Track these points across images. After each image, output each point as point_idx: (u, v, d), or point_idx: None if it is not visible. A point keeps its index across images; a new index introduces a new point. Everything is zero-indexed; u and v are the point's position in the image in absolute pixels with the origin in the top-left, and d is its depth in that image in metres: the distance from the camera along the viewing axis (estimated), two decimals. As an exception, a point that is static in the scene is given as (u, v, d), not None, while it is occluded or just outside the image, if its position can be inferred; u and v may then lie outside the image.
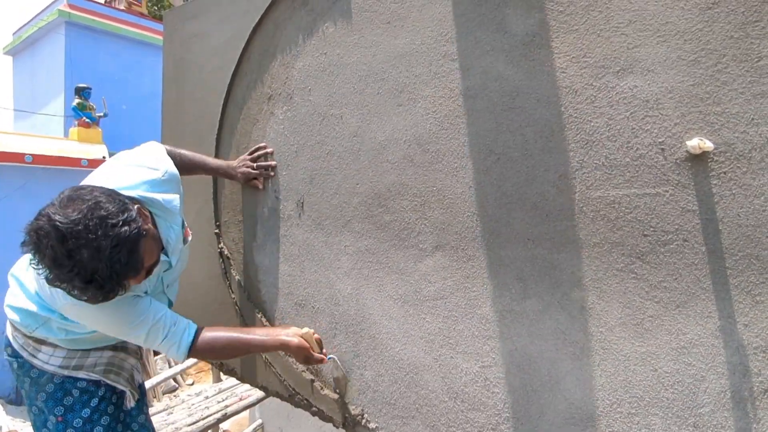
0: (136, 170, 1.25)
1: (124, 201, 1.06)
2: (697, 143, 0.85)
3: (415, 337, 1.26)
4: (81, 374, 1.38)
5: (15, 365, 1.41)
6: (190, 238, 1.50)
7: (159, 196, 1.24)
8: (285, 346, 1.32)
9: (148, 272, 1.16)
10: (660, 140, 0.90)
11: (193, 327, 1.29)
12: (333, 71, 1.43)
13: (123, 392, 1.45)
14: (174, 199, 1.30)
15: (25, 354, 1.37)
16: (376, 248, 1.35)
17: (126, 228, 1.00)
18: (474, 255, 1.15)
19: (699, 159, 0.86)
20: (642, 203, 0.93)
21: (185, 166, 1.56)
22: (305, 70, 1.50)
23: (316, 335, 1.39)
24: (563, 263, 1.02)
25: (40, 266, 0.97)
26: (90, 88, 7.86)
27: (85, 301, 1.03)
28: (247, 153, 1.66)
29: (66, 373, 1.35)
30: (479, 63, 1.13)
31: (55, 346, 1.36)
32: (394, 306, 1.31)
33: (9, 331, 1.41)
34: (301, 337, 1.33)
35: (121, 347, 1.47)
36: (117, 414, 1.43)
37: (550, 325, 1.04)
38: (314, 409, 1.51)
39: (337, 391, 1.45)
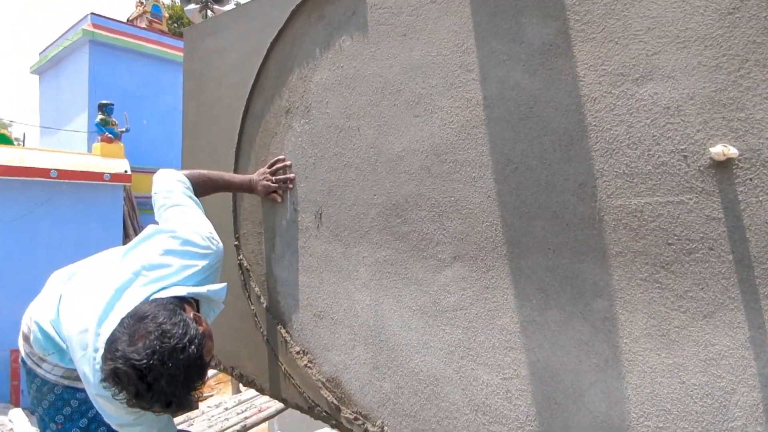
0: (185, 261, 1.30)
1: (184, 318, 1.13)
2: (721, 150, 0.83)
3: (435, 349, 1.25)
4: (79, 385, 1.40)
5: (23, 371, 1.48)
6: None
7: (206, 289, 1.30)
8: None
9: None
10: (682, 147, 0.89)
11: None
12: (350, 84, 1.44)
13: None
14: (221, 289, 1.37)
15: (29, 362, 1.43)
16: (395, 259, 1.35)
17: (192, 347, 1.09)
18: (493, 265, 1.15)
19: (723, 166, 0.85)
20: (665, 211, 0.91)
21: (208, 188, 1.64)
22: (322, 84, 1.52)
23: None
24: (585, 273, 1.01)
25: (121, 397, 1.06)
26: (113, 105, 8.08)
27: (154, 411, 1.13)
28: (267, 166, 1.68)
29: (66, 383, 1.39)
30: (496, 72, 1.13)
31: (55, 364, 1.40)
32: (413, 317, 1.30)
33: (20, 336, 1.47)
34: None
35: None
36: None
37: (573, 336, 1.02)
38: (334, 421, 1.50)
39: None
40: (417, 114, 1.28)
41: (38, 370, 1.43)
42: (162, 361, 1.04)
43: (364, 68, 1.40)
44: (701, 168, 0.87)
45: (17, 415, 4.28)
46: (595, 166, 0.99)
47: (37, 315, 1.41)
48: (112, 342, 1.08)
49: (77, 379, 1.40)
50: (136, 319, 1.10)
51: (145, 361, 1.03)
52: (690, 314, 0.89)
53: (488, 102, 1.14)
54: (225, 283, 1.41)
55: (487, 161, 1.15)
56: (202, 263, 1.33)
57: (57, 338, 1.35)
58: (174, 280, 1.26)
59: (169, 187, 1.47)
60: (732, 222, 0.84)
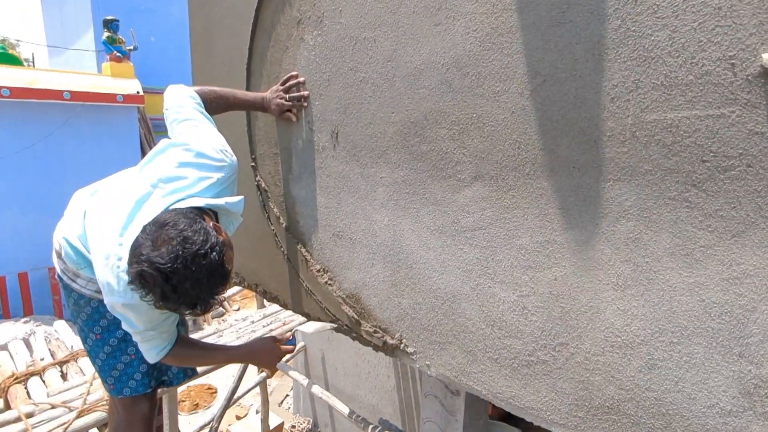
0: (201, 173, 1.31)
1: (204, 227, 1.15)
2: (775, 56, 0.75)
3: (453, 268, 1.27)
4: None
5: (60, 286, 1.58)
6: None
7: (224, 201, 1.32)
8: (251, 356, 1.65)
9: None
10: (731, 54, 0.81)
11: (173, 340, 1.46)
12: (365, -10, 1.33)
13: None
14: (239, 201, 1.39)
15: (65, 278, 1.53)
16: (413, 179, 1.32)
17: (214, 254, 1.12)
18: (515, 185, 1.12)
19: (775, 74, 0.77)
20: (703, 126, 0.85)
21: (219, 106, 1.59)
22: (335, -10, 1.41)
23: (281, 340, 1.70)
24: (610, 192, 0.98)
25: (149, 299, 1.12)
26: (118, 20, 7.75)
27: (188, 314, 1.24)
28: (279, 83, 1.62)
29: (101, 297, 1.45)
30: (526, -28, 1.02)
31: (89, 279, 1.48)
32: (432, 237, 1.30)
33: (53, 254, 1.54)
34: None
35: None
36: None
37: (593, 255, 1.02)
38: (354, 334, 1.58)
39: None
40: (438, 22, 1.19)
41: (74, 285, 1.51)
42: (185, 266, 1.08)
43: (380, -29, 1.29)
44: (749, 77, 0.80)
45: (61, 325, 4.61)
46: (631, 77, 0.91)
47: (65, 232, 1.46)
48: (135, 248, 1.11)
49: None
50: (157, 226, 1.13)
51: (169, 265, 1.07)
52: (718, 233, 0.86)
53: (516, 6, 1.05)
54: (242, 196, 1.43)
55: (513, 74, 1.08)
56: (218, 175, 1.34)
57: (86, 252, 1.40)
58: (191, 191, 1.28)
59: (181, 102, 1.45)
60: (776, 137, 0.79)
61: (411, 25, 1.24)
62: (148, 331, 1.36)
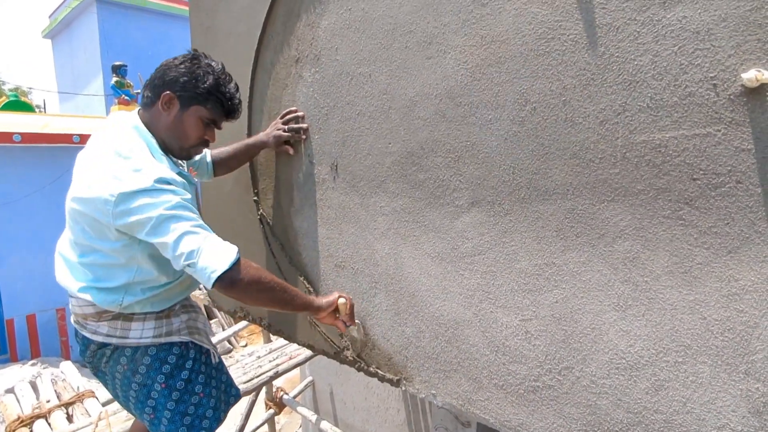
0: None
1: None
2: (754, 75, 0.78)
3: (455, 294, 1.27)
4: (174, 339, 1.45)
5: (104, 359, 1.46)
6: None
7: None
8: (313, 307, 1.40)
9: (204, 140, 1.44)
10: (712, 75, 0.83)
11: (237, 249, 1.26)
12: (359, 27, 1.39)
13: (208, 351, 1.56)
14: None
15: (114, 340, 1.40)
16: (412, 207, 1.34)
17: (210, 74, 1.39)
18: (511, 209, 1.13)
19: (756, 93, 0.80)
20: (691, 145, 0.87)
21: (232, 162, 1.73)
22: (331, 29, 1.47)
23: (349, 303, 1.47)
24: (605, 213, 0.99)
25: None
26: (126, 66, 8.03)
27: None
28: (279, 117, 1.66)
29: (162, 340, 1.43)
30: (511, 5, 1.07)
31: (143, 319, 1.41)
32: (432, 264, 1.31)
33: (86, 330, 1.42)
34: (336, 304, 1.43)
35: (190, 305, 1.56)
36: (209, 371, 1.55)
37: (593, 277, 1.02)
38: (359, 365, 1.56)
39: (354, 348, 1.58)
40: (429, 55, 1.23)
41: (129, 341, 1.41)
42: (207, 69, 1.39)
43: (373, 9, 1.34)
44: (731, 96, 0.82)
45: (68, 367, 4.58)
46: (618, 101, 0.94)
47: (78, 291, 1.38)
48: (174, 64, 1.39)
49: (168, 333, 1.44)
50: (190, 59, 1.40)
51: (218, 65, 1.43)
52: (714, 250, 0.87)
53: (504, 38, 1.09)
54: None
55: (504, 102, 1.11)
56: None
57: (109, 283, 1.35)
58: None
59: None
60: (762, 153, 0.80)
61: (404, 59, 1.29)
62: (196, 222, 1.22)
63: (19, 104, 7.88)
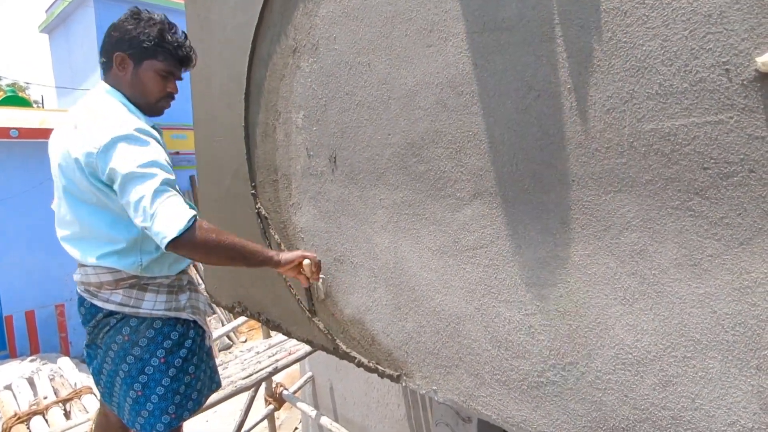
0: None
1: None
2: (769, 59, 0.75)
3: (456, 288, 1.24)
4: (182, 315, 1.51)
5: (105, 328, 1.47)
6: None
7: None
8: (273, 261, 1.43)
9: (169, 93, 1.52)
10: (724, 60, 0.80)
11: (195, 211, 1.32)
12: (357, 15, 1.35)
13: (204, 333, 1.61)
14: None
15: (127, 309, 1.44)
16: (412, 200, 1.31)
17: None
18: (514, 201, 1.10)
19: (770, 78, 0.76)
20: (701, 133, 0.84)
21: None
22: (329, 17, 1.43)
23: (314, 263, 1.51)
24: (612, 204, 0.96)
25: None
26: (123, 60, 7.96)
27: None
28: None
29: (171, 314, 1.48)
30: (514, -9, 1.03)
31: (156, 291, 1.46)
32: (433, 257, 1.28)
33: (97, 298, 1.45)
34: (297, 262, 1.47)
35: (193, 285, 1.63)
36: (201, 355, 1.59)
37: (598, 270, 0.99)
38: (358, 360, 1.54)
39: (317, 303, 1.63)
40: (430, 43, 1.20)
41: (141, 311, 1.44)
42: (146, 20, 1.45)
43: (372, -3, 1.31)
44: (744, 82, 0.79)
45: (65, 363, 4.56)
46: (625, 88, 0.91)
47: (90, 260, 1.43)
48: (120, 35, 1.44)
49: (177, 309, 1.50)
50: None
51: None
52: (725, 242, 0.84)
53: (507, 24, 1.05)
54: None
55: (507, 90, 1.08)
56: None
57: (118, 245, 1.40)
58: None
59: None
60: (777, 141, 0.77)
61: (404, 47, 1.26)
62: (158, 185, 1.25)
63: (16, 99, 7.82)
